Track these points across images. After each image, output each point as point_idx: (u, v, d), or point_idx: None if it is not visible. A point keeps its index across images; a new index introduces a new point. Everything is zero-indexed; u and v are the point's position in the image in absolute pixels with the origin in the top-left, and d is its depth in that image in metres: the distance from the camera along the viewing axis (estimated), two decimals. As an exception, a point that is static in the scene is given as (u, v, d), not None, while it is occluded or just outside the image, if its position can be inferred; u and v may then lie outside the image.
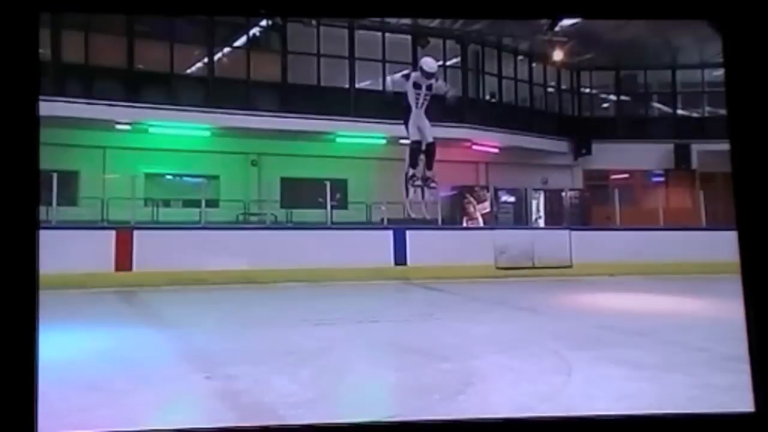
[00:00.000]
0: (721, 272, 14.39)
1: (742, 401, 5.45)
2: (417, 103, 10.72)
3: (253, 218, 16.87)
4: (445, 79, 17.63)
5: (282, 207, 17.19)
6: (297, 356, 5.97)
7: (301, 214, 16.52)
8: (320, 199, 14.84)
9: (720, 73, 20.18)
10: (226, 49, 16.95)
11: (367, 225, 16.14)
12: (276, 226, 15.66)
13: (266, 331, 7.48)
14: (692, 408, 4.90)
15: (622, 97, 21.32)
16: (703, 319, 8.93)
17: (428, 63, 10.83)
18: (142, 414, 4.17)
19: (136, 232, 12.55)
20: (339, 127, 16.56)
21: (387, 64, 17.31)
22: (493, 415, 2.02)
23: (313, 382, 5.13)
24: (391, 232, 14.13)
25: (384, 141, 17.02)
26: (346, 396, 5.31)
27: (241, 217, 16.96)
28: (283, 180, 17.56)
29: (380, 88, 17.25)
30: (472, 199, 17.18)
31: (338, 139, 16.92)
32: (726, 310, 10.81)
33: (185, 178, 17.67)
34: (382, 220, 15.90)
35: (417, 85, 10.66)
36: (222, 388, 4.75)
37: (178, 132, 16.26)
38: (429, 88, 10.71)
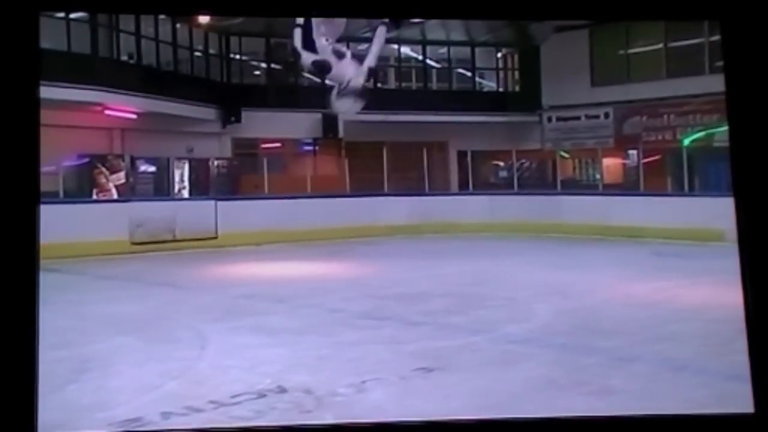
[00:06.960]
0: (362, 236, 15.89)
1: (371, 352, 5.89)
2: None
3: None
4: (69, 34, 16.12)
5: None
6: None
7: None
8: None
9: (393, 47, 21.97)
10: None
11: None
12: None
13: None
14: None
15: (273, 66, 21.92)
16: (342, 281, 9.71)
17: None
18: None
19: None
20: None
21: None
22: (486, 416, 1.90)
23: None
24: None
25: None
26: None
27: None
28: None
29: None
30: (104, 170, 16.13)
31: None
32: (363, 272, 11.95)
33: None
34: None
35: None
36: None
37: None
38: None
